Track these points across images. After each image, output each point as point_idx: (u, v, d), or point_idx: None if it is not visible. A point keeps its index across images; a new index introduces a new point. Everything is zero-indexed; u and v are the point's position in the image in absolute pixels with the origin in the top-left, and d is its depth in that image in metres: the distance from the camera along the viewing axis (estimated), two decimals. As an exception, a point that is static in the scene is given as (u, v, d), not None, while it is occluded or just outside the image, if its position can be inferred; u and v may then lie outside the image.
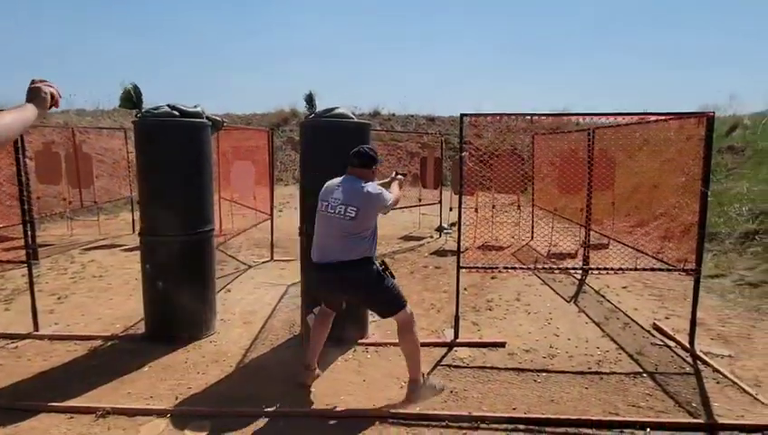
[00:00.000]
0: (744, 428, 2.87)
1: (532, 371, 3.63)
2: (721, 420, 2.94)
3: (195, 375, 3.49)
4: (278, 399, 3.14)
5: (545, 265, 6.11)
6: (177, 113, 3.78)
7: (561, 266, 6.18)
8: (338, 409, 3.05)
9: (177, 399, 3.16)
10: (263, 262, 6.94)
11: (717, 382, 3.46)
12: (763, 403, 3.15)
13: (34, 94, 1.54)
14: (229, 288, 5.63)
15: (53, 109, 1.64)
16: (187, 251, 3.93)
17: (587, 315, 4.82)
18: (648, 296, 5.45)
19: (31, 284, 4.19)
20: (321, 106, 3.96)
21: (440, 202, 9.66)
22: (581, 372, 3.61)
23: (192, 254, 3.96)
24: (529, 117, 3.95)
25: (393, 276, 3.18)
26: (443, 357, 3.84)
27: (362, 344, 4.01)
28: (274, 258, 7.05)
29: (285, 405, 3.08)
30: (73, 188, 9.11)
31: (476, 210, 8.35)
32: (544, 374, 3.58)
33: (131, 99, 3.62)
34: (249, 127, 12.34)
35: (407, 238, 8.86)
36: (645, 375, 3.56)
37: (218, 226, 8.10)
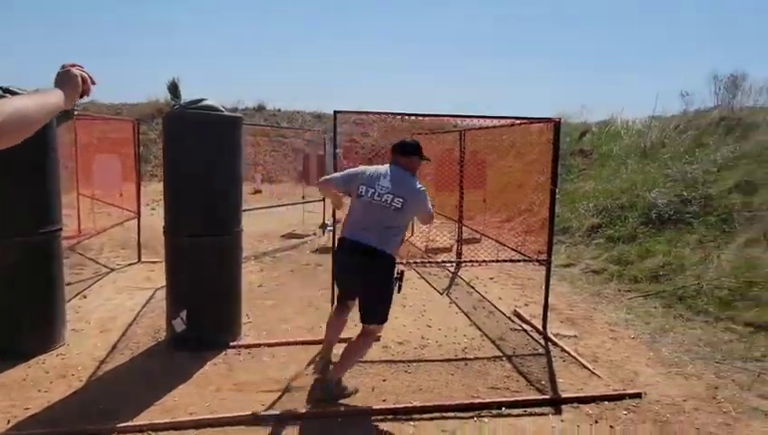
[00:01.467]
0: (581, 399, 3.23)
1: (404, 362, 3.76)
2: (564, 395, 3.28)
3: (34, 394, 3.10)
4: (134, 412, 2.90)
5: (419, 260, 6.36)
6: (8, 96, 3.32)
7: (432, 260, 6.48)
8: (205, 416, 2.89)
9: (8, 423, 2.78)
10: (128, 264, 6.39)
11: (563, 360, 3.86)
12: (598, 377, 3.57)
13: (64, 78, 1.28)
14: (85, 294, 5.11)
15: (84, 98, 1.34)
16: (28, 254, 3.47)
17: (457, 306, 5.11)
18: (512, 286, 5.93)
19: None
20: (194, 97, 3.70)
21: (324, 199, 9.62)
22: (449, 360, 3.81)
23: (34, 257, 3.51)
24: (400, 116, 4.07)
25: (399, 290, 3.17)
26: (317, 355, 3.82)
27: (234, 347, 3.86)
28: (142, 260, 6.52)
29: (142, 418, 2.86)
30: None
31: (358, 207, 8.46)
32: (415, 364, 3.72)
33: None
34: (114, 117, 11.27)
35: (290, 236, 8.72)
36: (504, 359, 3.87)
37: (77, 225, 7.34)
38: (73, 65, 1.35)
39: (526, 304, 5.19)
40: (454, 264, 6.74)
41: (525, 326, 4.55)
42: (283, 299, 5.18)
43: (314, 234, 9.03)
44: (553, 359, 3.89)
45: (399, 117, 4.00)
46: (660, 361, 3.90)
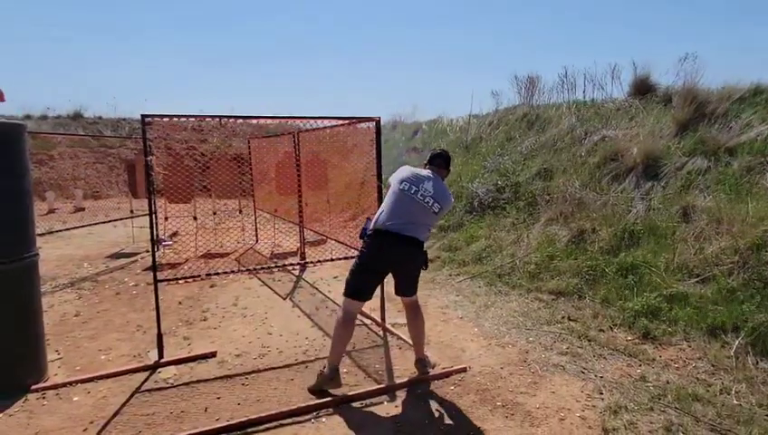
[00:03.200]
0: (413, 382, 3.42)
1: (241, 375, 3.61)
2: (398, 381, 3.44)
3: None
4: None
5: (263, 266, 6.19)
6: None
7: (271, 265, 6.36)
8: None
9: None
10: None
11: (400, 348, 4.05)
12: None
13: None
14: None
15: None
16: None
17: (300, 309, 5.07)
18: (355, 282, 6.05)
19: None
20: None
21: (153, 213, 8.85)
22: (289, 365, 3.76)
23: None
24: (221, 118, 3.89)
25: (426, 267, 3.49)
26: (143, 383, 3.48)
27: (37, 390, 3.33)
28: None
29: None
30: None
31: (195, 218, 7.97)
32: (253, 375, 3.59)
33: None
34: None
35: (117, 256, 7.86)
36: (344, 355, 3.92)
37: None
38: None
39: (368, 299, 5.34)
40: (298, 268, 6.69)
41: (366, 320, 4.68)
42: (105, 327, 4.64)
43: (147, 251, 8.27)
44: (390, 348, 4.07)
45: (232, 121, 3.81)
46: (483, 335, 4.31)
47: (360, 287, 3.37)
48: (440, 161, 3.55)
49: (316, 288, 5.85)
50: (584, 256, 5.23)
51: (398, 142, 11.90)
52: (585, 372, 3.57)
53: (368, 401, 3.22)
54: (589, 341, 4.06)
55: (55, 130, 16.98)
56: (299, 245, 7.53)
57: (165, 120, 3.80)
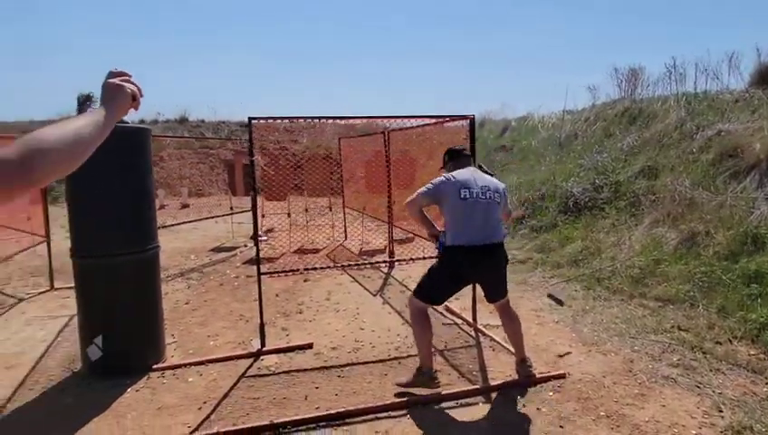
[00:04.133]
0: (509, 385, 3.34)
1: (336, 367, 3.72)
2: (493, 383, 3.37)
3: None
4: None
5: (350, 263, 6.36)
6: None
7: (362, 262, 6.50)
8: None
9: None
10: (39, 293, 5.92)
11: (493, 350, 3.98)
12: (525, 361, 3.70)
13: (115, 94, 1.11)
14: (-12, 329, 4.67)
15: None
16: None
17: (390, 306, 5.14)
18: (444, 282, 6.03)
19: None
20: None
21: (253, 209, 9.39)
22: (382, 360, 3.82)
23: None
24: (317, 120, 4.04)
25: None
26: (248, 368, 3.71)
27: (158, 370, 3.66)
28: (55, 287, 6.07)
29: (53, 456, 2.64)
30: None
31: (289, 215, 8.33)
32: (348, 368, 3.69)
33: None
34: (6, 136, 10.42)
35: (219, 250, 8.43)
36: (436, 354, 3.92)
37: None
38: (122, 74, 1.18)
39: (457, 298, 5.24)
40: (387, 265, 6.79)
41: (457, 320, 4.65)
42: (212, 315, 4.99)
43: (245, 245, 8.78)
44: (483, 349, 4.00)
45: (323, 121, 3.96)
46: (582, 341, 4.11)
47: (439, 296, 3.41)
48: (466, 160, 3.55)
49: (405, 286, 5.89)
50: (697, 261, 4.81)
51: (487, 140, 11.68)
52: (700, 386, 3.29)
53: (462, 401, 3.19)
54: (704, 353, 3.73)
55: (164, 133, 18.62)
56: (387, 242, 7.64)
57: (261, 121, 4.01)
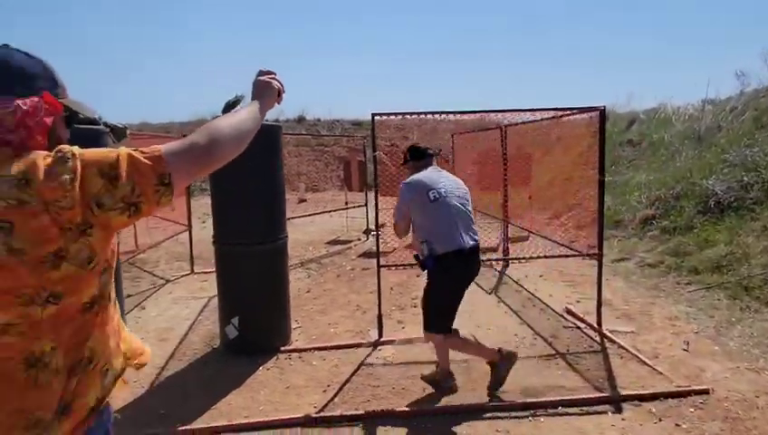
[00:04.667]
0: (643, 397, 3.08)
1: (454, 362, 3.70)
2: (624, 392, 3.14)
3: (101, 400, 3.26)
4: (192, 416, 3.00)
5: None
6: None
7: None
8: (259, 419, 2.95)
9: (79, 427, 2.94)
10: (182, 275, 6.63)
11: (621, 357, 3.70)
12: (660, 373, 3.40)
13: (266, 90, 1.31)
14: (144, 305, 5.33)
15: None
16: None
17: (506, 305, 5.01)
18: (562, 283, 5.75)
19: None
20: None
21: (366, 205, 9.69)
22: (500, 360, 3.73)
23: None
24: (439, 116, 4.04)
25: None
26: (367, 357, 3.83)
27: (285, 352, 3.92)
28: (195, 271, 6.75)
29: (200, 422, 2.95)
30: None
31: (401, 211, 8.44)
32: (465, 365, 3.66)
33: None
34: (166, 135, 11.76)
35: (334, 243, 8.81)
36: (558, 357, 3.75)
37: (134, 240, 7.69)
38: (269, 73, 1.35)
39: (578, 301, 5.02)
40: (501, 263, 6.62)
41: (579, 323, 4.40)
42: (331, 304, 5.24)
43: (359, 239, 9.09)
44: (610, 356, 3.74)
45: (440, 117, 3.97)
46: (727, 355, 3.68)
47: (452, 319, 3.14)
48: (434, 152, 3.33)
49: (521, 285, 5.71)
50: None
51: (611, 134, 10.87)
52: None
53: (588, 409, 3.01)
54: None
55: (285, 132, 19.88)
56: (500, 240, 7.45)
57: (384, 117, 4.09)
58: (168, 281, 6.39)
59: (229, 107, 3.84)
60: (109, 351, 1.08)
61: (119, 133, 4.11)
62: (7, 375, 0.91)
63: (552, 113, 4.78)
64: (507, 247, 7.01)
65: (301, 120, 21.69)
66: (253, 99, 1.30)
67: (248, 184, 3.64)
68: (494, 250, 7.59)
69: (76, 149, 0.94)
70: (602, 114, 3.97)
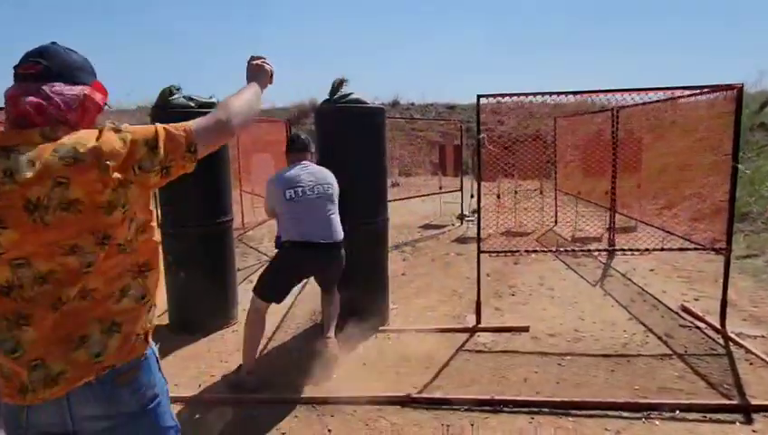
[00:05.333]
0: (780, 409, 2.76)
1: (556, 354, 3.57)
2: (755, 402, 2.84)
3: (217, 363, 3.54)
4: (299, 384, 3.16)
5: (568, 249, 5.98)
6: (192, 104, 3.81)
7: (584, 248, 6.06)
8: (362, 395, 3.03)
9: (199, 386, 3.21)
10: (284, 253, 6.98)
11: (750, 363, 3.34)
12: (799, 384, 3.03)
13: (259, 73, 1.55)
14: (251, 279, 5.68)
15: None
16: (206, 242, 3.97)
17: (613, 298, 4.71)
18: (677, 279, 5.30)
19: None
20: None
21: (461, 189, 9.56)
22: (607, 355, 3.53)
23: (211, 244, 4.00)
24: (549, 99, 3.85)
25: None
26: (465, 342, 3.80)
27: (384, 331, 4.00)
28: (296, 249, 7.07)
29: (307, 392, 3.09)
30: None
31: (498, 196, 8.24)
32: (569, 358, 3.51)
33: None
34: (266, 119, 12.38)
35: (427, 227, 8.81)
36: (674, 357, 3.47)
37: (241, 218, 8.23)
38: (260, 58, 1.56)
39: (696, 299, 4.60)
40: (606, 254, 6.23)
41: (698, 323, 4.03)
42: (427, 287, 5.25)
43: (453, 224, 9.01)
44: (737, 360, 3.39)
45: (539, 99, 3.77)
46: None
47: (276, 294, 3.28)
48: (299, 146, 3.31)
49: (629, 279, 5.34)
50: None
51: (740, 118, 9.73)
52: None
53: (711, 416, 2.76)
54: None
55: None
56: (605, 230, 7.01)
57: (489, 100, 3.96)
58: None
59: (336, 88, 3.93)
60: (154, 293, 1.26)
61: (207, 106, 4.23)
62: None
63: (673, 93, 4.36)
64: (613, 238, 6.59)
65: (395, 104, 21.77)
66: (249, 81, 1.52)
67: (354, 162, 3.71)
68: (598, 240, 7.16)
69: (126, 125, 1.16)
70: (739, 94, 3.56)
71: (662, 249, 4.32)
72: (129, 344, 1.18)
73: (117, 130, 1.13)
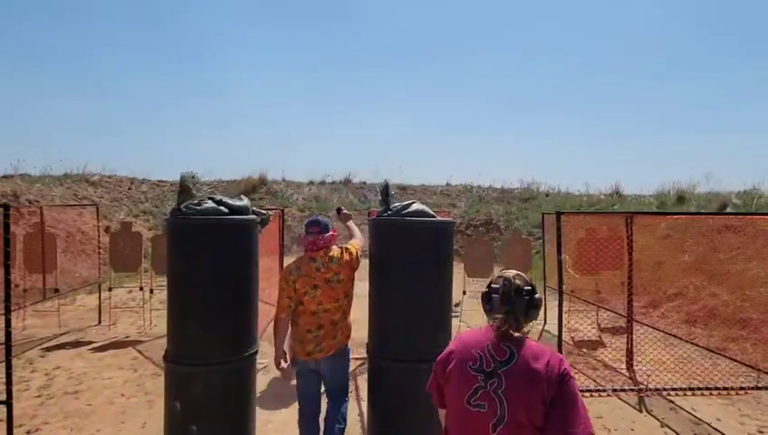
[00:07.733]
0: None
1: None
2: None
3: None
4: None
5: (593, 389, 5.42)
6: (225, 209, 3.07)
7: (653, 388, 5.46)
8: None
9: None
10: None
11: None
12: None
13: (349, 218, 3.70)
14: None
15: None
16: (229, 382, 3.07)
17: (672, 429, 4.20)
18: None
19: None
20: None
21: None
22: None
23: (236, 384, 3.11)
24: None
25: None
26: None
27: None
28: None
29: None
30: (31, 273, 7.93)
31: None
32: None
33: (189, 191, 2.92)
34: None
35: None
36: None
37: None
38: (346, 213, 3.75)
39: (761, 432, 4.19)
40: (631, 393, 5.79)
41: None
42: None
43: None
44: None
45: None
46: None
47: None
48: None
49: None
50: None
51: None
52: None
53: None
54: None
55: (331, 194, 19.91)
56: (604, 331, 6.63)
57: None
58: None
59: (385, 188, 3.44)
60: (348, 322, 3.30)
61: (265, 221, 3.62)
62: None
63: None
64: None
65: (347, 182, 21.58)
66: (344, 221, 3.71)
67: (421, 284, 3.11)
68: (601, 344, 6.75)
69: (347, 245, 3.33)
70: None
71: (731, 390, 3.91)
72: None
73: (347, 249, 3.29)
